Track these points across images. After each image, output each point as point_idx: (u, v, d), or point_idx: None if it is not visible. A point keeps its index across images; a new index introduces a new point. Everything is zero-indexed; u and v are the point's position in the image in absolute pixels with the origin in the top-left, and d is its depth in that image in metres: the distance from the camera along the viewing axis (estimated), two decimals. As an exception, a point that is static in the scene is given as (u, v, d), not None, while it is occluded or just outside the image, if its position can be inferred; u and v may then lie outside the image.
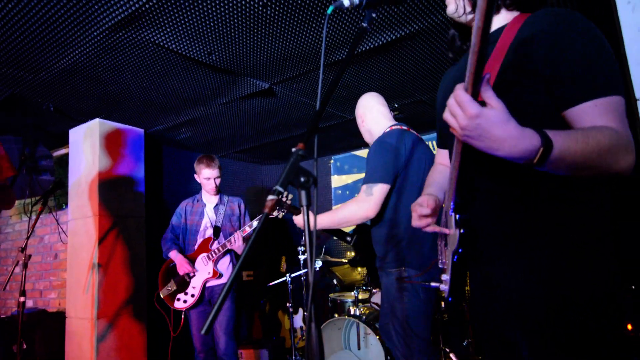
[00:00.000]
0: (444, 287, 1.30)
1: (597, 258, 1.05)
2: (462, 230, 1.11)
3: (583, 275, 1.04)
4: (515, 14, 1.20)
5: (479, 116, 0.87)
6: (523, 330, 1.12)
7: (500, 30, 1.18)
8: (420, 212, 1.28)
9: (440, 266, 1.40)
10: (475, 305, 1.34)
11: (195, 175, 3.44)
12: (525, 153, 0.89)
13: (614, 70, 1.00)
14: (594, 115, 0.98)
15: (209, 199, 3.48)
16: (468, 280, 1.38)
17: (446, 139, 1.41)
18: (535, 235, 1.09)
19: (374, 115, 2.42)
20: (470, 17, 1.25)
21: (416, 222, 1.30)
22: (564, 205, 1.07)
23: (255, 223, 3.21)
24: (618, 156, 0.94)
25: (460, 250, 1.12)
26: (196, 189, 3.56)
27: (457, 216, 1.16)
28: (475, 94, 0.90)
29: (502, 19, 1.22)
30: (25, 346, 3.57)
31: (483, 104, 0.91)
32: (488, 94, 0.89)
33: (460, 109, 0.89)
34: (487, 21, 0.79)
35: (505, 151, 0.90)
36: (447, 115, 0.94)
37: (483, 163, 1.10)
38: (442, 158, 1.56)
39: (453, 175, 1.12)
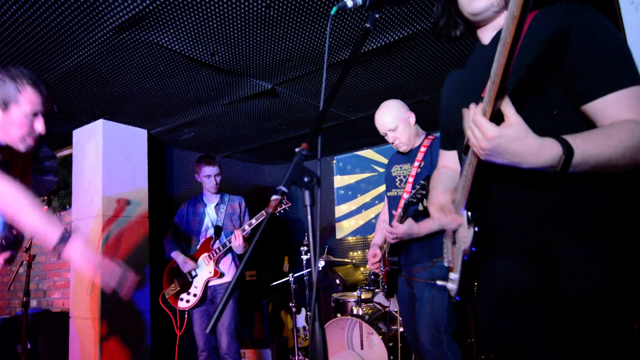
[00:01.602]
0: (452, 286, 1.27)
1: (625, 255, 1.01)
2: (476, 229, 1.09)
3: (609, 273, 1.00)
4: None
5: (498, 137, 0.90)
6: (537, 326, 1.10)
7: None
8: (440, 205, 1.25)
9: (446, 264, 1.37)
10: (483, 303, 1.31)
11: (196, 176, 3.45)
12: (548, 163, 0.91)
13: (631, 62, 0.99)
14: (618, 108, 0.97)
15: (210, 198, 3.49)
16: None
17: (454, 140, 1.39)
18: (557, 230, 1.06)
19: (414, 123, 2.55)
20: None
21: (441, 220, 1.24)
22: (589, 200, 1.04)
23: (254, 221, 3.22)
24: None
25: (473, 249, 1.10)
26: (199, 188, 3.57)
27: (470, 214, 1.13)
28: (497, 105, 0.92)
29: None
30: (29, 346, 3.58)
31: (499, 116, 0.92)
32: (508, 110, 0.91)
33: (479, 131, 0.93)
34: (513, 45, 0.80)
35: (527, 164, 0.92)
36: (469, 135, 0.97)
37: (500, 169, 1.07)
38: (446, 160, 1.53)
39: (467, 181, 1.11)
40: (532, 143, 0.91)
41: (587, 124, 1.03)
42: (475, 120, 0.94)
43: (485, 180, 1.14)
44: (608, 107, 0.98)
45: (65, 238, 1.57)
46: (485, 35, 1.24)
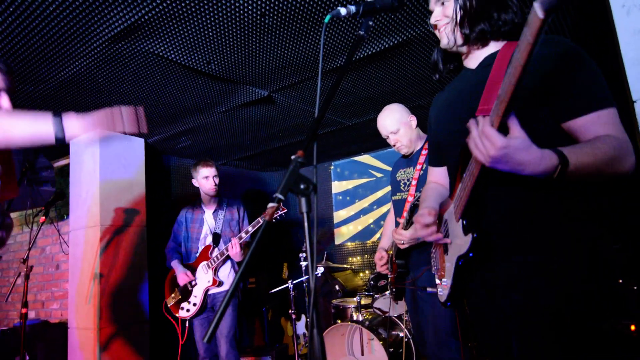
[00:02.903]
0: (443, 291, 1.32)
1: (604, 260, 1.13)
2: (475, 235, 1.16)
3: (592, 275, 1.12)
4: (503, 42, 1.32)
5: (506, 147, 1.01)
6: (520, 328, 1.18)
7: (493, 55, 1.30)
8: (423, 222, 1.37)
9: (433, 273, 1.44)
10: (476, 306, 1.36)
11: (193, 180, 3.43)
12: (546, 170, 1.04)
13: (607, 87, 1.17)
14: (598, 125, 1.13)
15: (208, 204, 3.48)
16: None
17: (445, 156, 1.51)
18: (546, 236, 1.17)
19: (415, 126, 2.60)
20: (462, 49, 1.36)
21: (420, 232, 1.38)
22: (574, 210, 1.17)
23: (250, 229, 3.20)
24: (622, 160, 1.10)
25: (470, 254, 1.17)
26: (197, 196, 3.56)
27: (464, 221, 1.20)
28: (503, 121, 1.02)
29: (491, 47, 1.34)
30: (27, 358, 3.56)
31: (503, 130, 1.04)
32: (514, 124, 1.03)
33: (488, 141, 1.03)
34: (529, 57, 0.90)
35: (529, 171, 1.04)
36: (472, 146, 1.08)
37: (497, 178, 1.18)
38: (435, 177, 1.65)
39: (466, 190, 1.18)
40: (535, 153, 1.03)
41: (569, 138, 1.18)
42: (484, 132, 1.03)
43: (483, 190, 1.20)
44: (589, 124, 1.14)
45: (59, 119, 1.53)
46: (471, 62, 1.38)
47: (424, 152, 2.53)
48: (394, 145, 2.59)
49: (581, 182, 1.13)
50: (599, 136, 1.12)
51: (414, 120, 2.58)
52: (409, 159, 2.64)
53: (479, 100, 1.23)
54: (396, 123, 2.52)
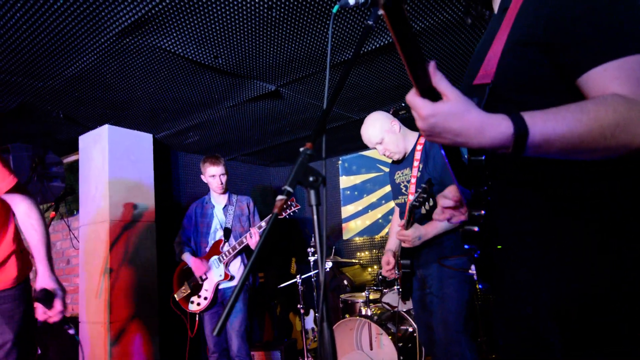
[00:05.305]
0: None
1: (631, 251, 0.90)
2: (462, 229, 1.02)
3: (619, 270, 0.90)
4: None
5: (432, 115, 0.81)
6: (559, 328, 1.00)
7: None
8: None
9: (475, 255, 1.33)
10: (499, 310, 1.26)
11: (202, 176, 3.45)
12: (496, 141, 0.80)
13: (626, 25, 0.82)
14: (605, 82, 0.81)
15: (218, 199, 3.48)
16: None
17: None
18: (563, 232, 0.96)
19: (399, 130, 2.52)
20: None
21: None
22: (592, 196, 0.92)
23: (264, 224, 3.21)
24: (636, 129, 0.76)
25: (466, 246, 1.03)
26: (205, 191, 3.57)
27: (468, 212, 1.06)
28: (425, 87, 0.82)
29: None
30: (39, 351, 3.60)
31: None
32: (442, 84, 0.81)
33: (415, 112, 0.83)
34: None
35: (474, 142, 0.81)
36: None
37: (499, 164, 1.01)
38: None
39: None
40: (474, 120, 0.79)
41: None
42: (408, 101, 0.84)
43: (485, 175, 1.03)
44: (594, 83, 0.83)
45: None
46: (495, 3, 1.17)
47: (419, 147, 2.47)
48: (384, 155, 2.54)
49: (574, 161, 0.85)
50: (595, 97, 0.82)
51: (396, 124, 2.50)
52: (405, 160, 2.58)
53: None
54: (379, 133, 2.46)
